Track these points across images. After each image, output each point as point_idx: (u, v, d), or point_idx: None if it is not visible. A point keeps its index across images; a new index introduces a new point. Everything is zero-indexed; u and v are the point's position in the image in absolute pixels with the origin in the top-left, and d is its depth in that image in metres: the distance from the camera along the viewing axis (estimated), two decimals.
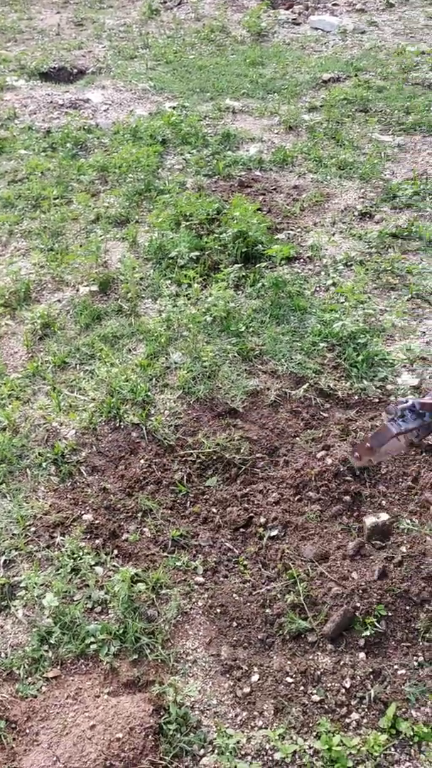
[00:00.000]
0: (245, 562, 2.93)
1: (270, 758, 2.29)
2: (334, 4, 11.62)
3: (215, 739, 2.32)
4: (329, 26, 10.38)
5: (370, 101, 7.43)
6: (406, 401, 2.57)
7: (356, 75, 8.22)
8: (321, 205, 5.49)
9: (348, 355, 3.88)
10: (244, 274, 4.54)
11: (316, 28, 10.52)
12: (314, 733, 2.35)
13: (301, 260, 4.77)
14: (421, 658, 2.56)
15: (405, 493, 3.22)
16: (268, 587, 2.81)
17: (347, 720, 2.41)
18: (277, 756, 2.28)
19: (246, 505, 3.16)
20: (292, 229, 5.10)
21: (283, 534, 3.04)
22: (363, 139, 6.58)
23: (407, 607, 2.71)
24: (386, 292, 4.46)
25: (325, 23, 10.50)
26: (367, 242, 4.94)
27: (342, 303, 4.26)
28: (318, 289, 4.48)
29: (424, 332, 4.12)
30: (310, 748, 2.31)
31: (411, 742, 2.36)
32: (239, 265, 4.54)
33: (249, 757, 2.29)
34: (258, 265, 4.61)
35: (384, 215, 5.28)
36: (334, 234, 5.09)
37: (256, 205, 4.91)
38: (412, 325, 4.18)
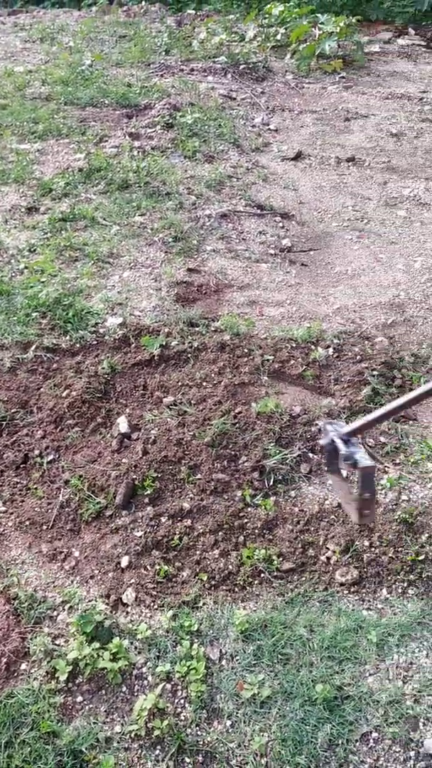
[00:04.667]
0: (35, 486, 3.45)
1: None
2: None
3: (63, 588, 2.87)
4: None
5: None
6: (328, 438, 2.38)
7: None
8: None
9: (60, 316, 4.53)
10: None
11: None
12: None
13: None
14: (189, 495, 3.37)
15: (141, 399, 4.01)
16: (62, 494, 3.38)
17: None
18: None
19: (18, 448, 3.66)
20: None
21: (58, 456, 3.62)
22: (5, 151, 7.19)
23: (170, 467, 3.50)
24: (72, 263, 5.19)
25: None
26: (42, 230, 5.62)
27: (39, 278, 4.88)
28: (14, 274, 5.04)
29: (113, 285, 4.95)
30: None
31: None
32: None
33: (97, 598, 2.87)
34: None
35: (47, 206, 6.00)
36: (9, 230, 5.67)
37: None
38: (102, 282, 4.98)
